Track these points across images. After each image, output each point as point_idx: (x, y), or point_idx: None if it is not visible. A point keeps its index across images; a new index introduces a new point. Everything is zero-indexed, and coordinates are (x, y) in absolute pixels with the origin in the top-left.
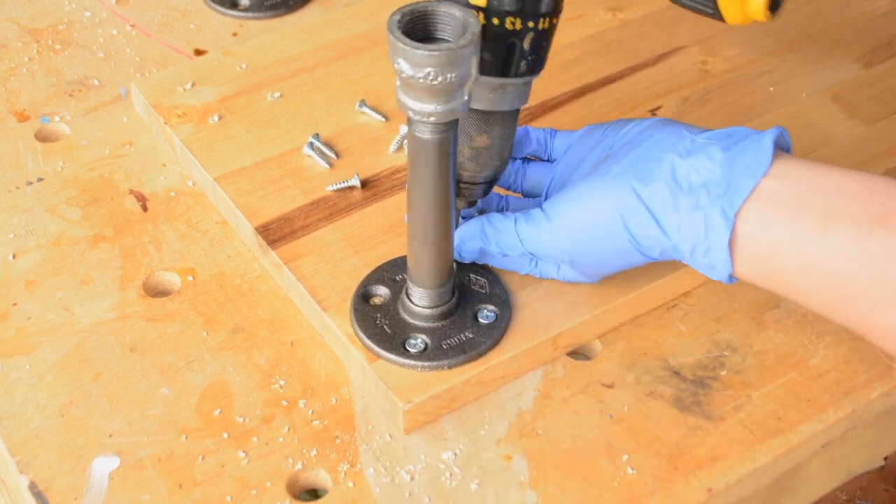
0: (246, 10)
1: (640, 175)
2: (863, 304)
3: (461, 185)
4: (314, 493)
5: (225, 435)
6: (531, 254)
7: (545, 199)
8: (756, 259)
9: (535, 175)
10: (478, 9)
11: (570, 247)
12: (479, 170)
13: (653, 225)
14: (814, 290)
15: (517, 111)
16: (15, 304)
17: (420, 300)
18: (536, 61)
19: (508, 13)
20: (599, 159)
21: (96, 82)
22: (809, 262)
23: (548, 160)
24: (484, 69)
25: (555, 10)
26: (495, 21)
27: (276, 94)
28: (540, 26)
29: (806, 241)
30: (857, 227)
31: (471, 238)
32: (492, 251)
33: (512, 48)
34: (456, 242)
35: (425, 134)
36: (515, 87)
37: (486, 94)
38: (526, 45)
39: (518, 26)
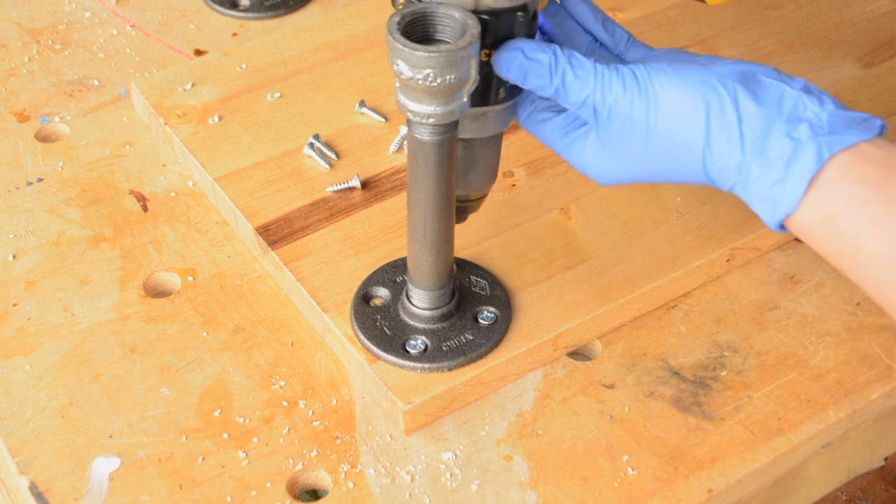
0: (246, 10)
1: (747, 84)
2: None
3: None
4: (314, 493)
5: (225, 435)
6: (591, 107)
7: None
8: (827, 210)
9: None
10: None
11: (638, 116)
12: (469, 188)
13: (735, 131)
14: (870, 260)
15: (502, 133)
16: (15, 305)
17: (420, 302)
18: (516, 86)
19: (482, 47)
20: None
21: (96, 82)
22: (881, 230)
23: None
24: None
25: (529, 36)
26: None
27: (276, 95)
28: None
29: (887, 209)
30: None
31: (536, 52)
32: (550, 82)
33: (488, 77)
34: (510, 50)
35: (425, 135)
36: (497, 113)
37: (469, 123)
38: None
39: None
